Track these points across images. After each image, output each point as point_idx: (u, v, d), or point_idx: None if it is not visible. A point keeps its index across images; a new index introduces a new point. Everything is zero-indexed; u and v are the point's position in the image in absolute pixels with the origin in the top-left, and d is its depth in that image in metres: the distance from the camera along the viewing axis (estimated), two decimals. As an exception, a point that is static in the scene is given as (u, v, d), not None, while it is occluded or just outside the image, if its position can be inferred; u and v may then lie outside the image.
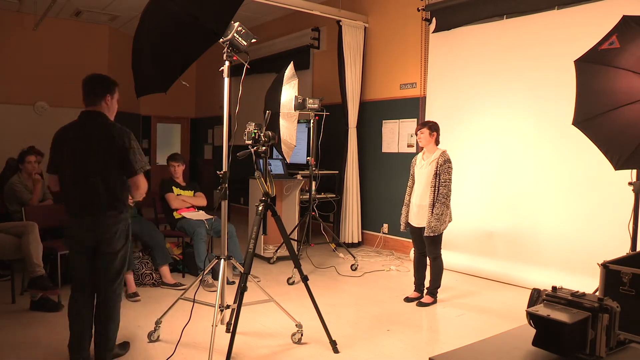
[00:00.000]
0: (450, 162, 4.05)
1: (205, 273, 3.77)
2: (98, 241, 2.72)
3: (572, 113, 3.26)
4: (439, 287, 4.22)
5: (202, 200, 5.22)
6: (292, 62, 5.06)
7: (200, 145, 11.09)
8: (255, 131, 3.24)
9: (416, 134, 4.22)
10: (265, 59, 8.29)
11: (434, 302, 4.21)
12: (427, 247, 4.12)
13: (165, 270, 4.61)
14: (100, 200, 2.69)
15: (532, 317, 1.45)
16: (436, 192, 4.00)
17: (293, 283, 4.75)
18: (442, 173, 4.00)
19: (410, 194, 4.25)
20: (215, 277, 4.57)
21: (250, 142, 3.26)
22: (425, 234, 4.03)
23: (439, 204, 3.98)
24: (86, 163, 2.69)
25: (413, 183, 4.25)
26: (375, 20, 6.68)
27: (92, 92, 2.82)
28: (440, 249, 4.14)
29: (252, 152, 3.24)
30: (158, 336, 3.29)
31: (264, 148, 3.26)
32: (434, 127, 4.12)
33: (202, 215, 5.02)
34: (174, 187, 5.07)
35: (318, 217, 5.56)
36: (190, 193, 5.19)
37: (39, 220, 4.14)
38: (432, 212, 3.99)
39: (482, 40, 5.36)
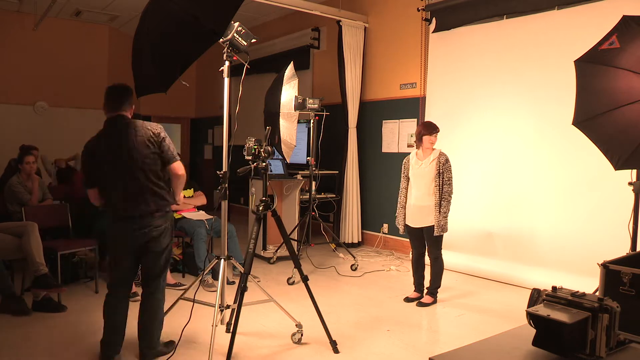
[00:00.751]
0: (450, 161, 4.09)
1: (205, 273, 3.76)
2: (147, 240, 2.82)
3: (572, 113, 3.26)
4: (439, 287, 4.22)
5: (202, 199, 5.22)
6: (292, 62, 5.06)
7: (200, 145, 11.09)
8: (255, 147, 3.25)
9: (425, 138, 4.08)
10: (265, 59, 8.29)
11: (434, 302, 4.21)
12: (429, 248, 4.12)
13: None
14: (148, 201, 2.80)
15: (532, 317, 1.45)
16: (441, 191, 4.02)
17: (293, 283, 4.75)
18: (446, 172, 4.03)
19: (406, 195, 4.24)
20: (215, 277, 4.57)
21: (250, 157, 3.27)
22: (435, 234, 4.04)
23: (445, 202, 4.01)
24: (130, 166, 2.79)
25: (407, 184, 4.24)
26: (375, 20, 6.68)
27: (119, 99, 2.89)
28: (441, 248, 4.14)
29: (252, 168, 3.26)
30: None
31: (263, 164, 3.27)
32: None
33: (202, 215, 5.01)
34: None
35: (318, 217, 5.56)
36: (189, 192, 5.19)
37: (39, 220, 4.15)
38: (440, 211, 4.01)
39: (482, 40, 5.36)
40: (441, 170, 4.03)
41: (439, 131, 4.13)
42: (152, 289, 2.91)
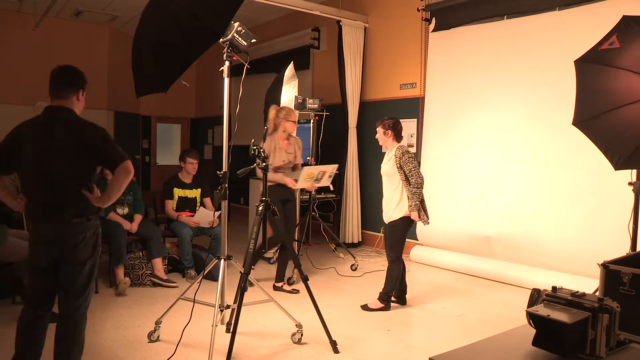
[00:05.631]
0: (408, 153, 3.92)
1: (205, 273, 3.76)
2: (61, 250, 2.44)
3: (572, 114, 3.26)
4: (388, 292, 4.04)
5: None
6: (292, 62, 5.07)
7: (200, 145, 11.09)
8: (255, 147, 3.25)
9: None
10: (265, 59, 8.29)
11: (383, 309, 4.02)
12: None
13: (158, 262, 4.58)
14: (66, 206, 2.45)
15: (532, 317, 1.45)
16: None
17: (293, 283, 4.75)
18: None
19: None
20: (198, 270, 4.73)
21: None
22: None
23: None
24: (54, 165, 2.44)
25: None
26: (375, 20, 6.68)
27: (66, 84, 2.64)
28: (397, 251, 3.98)
29: (252, 169, 3.26)
30: (158, 336, 3.30)
31: (263, 164, 3.27)
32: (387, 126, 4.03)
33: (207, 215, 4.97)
34: (176, 189, 5.04)
35: (318, 217, 5.56)
36: (197, 192, 5.13)
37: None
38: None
39: (482, 40, 5.36)
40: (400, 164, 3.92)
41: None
42: (72, 310, 2.52)
